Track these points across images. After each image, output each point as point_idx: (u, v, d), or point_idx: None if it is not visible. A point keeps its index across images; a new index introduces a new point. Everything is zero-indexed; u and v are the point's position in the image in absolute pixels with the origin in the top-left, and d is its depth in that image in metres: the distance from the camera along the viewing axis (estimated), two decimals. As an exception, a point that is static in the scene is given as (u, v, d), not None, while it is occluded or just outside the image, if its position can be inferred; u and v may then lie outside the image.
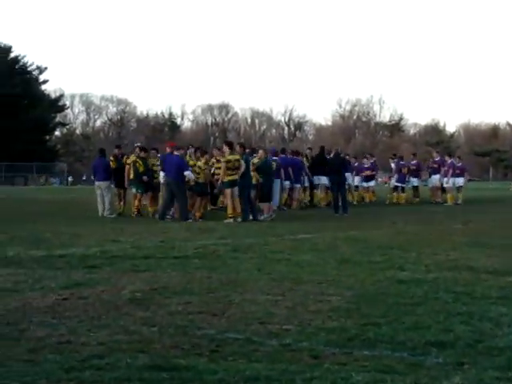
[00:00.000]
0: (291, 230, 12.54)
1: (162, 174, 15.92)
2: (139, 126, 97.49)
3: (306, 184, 21.61)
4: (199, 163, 16.38)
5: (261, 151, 17.00)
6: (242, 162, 15.32)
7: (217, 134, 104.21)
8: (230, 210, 15.21)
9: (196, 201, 16.14)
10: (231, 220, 14.93)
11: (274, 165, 18.14)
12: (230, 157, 15.31)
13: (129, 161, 17.48)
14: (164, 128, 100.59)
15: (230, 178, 15.17)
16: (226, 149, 15.64)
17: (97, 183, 17.81)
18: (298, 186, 20.96)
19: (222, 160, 15.79)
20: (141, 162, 17.08)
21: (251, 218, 15.39)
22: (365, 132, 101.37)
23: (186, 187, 15.63)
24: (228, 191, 15.32)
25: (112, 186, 17.78)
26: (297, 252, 9.14)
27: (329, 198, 21.08)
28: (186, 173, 15.47)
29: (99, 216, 16.99)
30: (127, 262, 8.09)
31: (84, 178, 66.76)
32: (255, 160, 16.69)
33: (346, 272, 7.32)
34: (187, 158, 16.44)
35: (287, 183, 20.21)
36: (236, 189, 15.24)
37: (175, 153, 15.88)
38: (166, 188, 15.59)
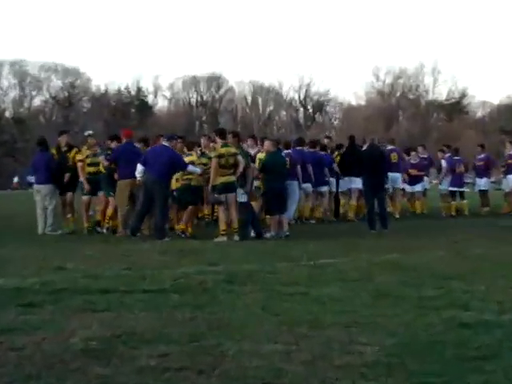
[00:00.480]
0: (309, 253, 12.57)
1: (139, 167, 15.68)
2: (95, 107, 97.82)
3: (334, 189, 21.68)
4: (191, 158, 16.46)
5: (267, 142, 17.05)
6: (241, 158, 15.37)
7: (204, 118, 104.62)
8: (222, 225, 15.25)
9: (182, 210, 16.19)
10: (224, 238, 14.99)
11: (287, 161, 18.18)
12: (223, 150, 15.36)
13: (80, 156, 17.53)
14: (130, 109, 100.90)
15: (224, 179, 15.22)
16: (217, 139, 15.71)
17: (36, 187, 17.88)
18: (325, 188, 21.02)
19: (212, 154, 15.84)
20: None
21: (253, 235, 15.42)
22: (413, 114, 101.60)
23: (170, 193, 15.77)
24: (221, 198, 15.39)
25: (57, 190, 17.81)
26: (316, 283, 9.17)
27: (361, 207, 21.12)
28: (190, 168, 15.78)
29: (39, 233, 17.02)
30: (78, 297, 8.12)
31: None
32: (260, 155, 16.75)
33: (384, 311, 7.35)
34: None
35: (308, 186, 20.24)
36: (232, 195, 15.28)
37: (165, 143, 15.96)
38: (144, 190, 15.54)
